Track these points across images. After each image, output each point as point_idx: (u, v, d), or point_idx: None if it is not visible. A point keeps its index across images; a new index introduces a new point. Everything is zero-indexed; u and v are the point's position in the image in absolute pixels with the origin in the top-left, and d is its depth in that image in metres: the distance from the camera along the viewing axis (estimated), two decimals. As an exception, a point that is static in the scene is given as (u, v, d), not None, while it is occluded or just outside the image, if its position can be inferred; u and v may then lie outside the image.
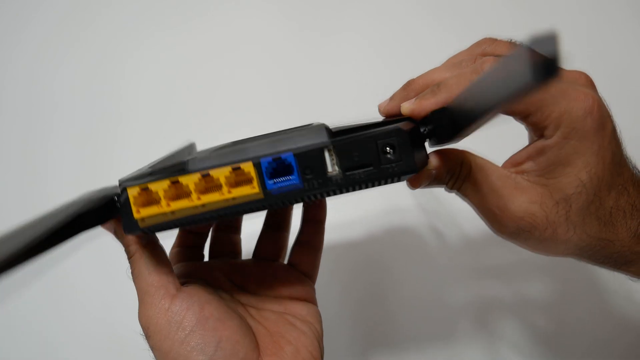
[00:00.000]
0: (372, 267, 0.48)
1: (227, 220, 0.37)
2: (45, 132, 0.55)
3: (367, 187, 0.26)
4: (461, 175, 0.27)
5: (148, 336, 0.27)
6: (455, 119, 0.24)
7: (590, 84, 0.26)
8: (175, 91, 0.55)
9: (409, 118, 0.27)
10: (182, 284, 0.29)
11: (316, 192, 0.25)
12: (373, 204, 0.50)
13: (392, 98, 0.30)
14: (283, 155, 0.24)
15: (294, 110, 0.54)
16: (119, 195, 0.25)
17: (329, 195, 0.26)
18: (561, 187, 0.25)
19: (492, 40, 0.28)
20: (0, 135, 0.55)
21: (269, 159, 0.24)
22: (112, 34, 0.56)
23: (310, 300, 0.34)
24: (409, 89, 0.29)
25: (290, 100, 0.54)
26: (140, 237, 0.28)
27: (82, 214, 0.24)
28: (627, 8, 0.54)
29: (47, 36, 0.56)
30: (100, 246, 0.50)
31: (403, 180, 0.26)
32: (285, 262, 0.36)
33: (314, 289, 0.35)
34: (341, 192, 0.26)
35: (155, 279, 0.28)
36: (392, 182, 0.26)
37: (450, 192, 0.29)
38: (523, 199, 0.26)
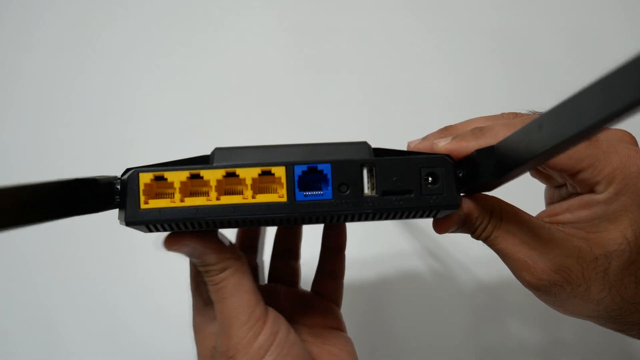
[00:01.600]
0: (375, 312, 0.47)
1: (285, 245, 0.35)
2: (58, 133, 0.52)
3: (399, 217, 0.24)
4: (492, 222, 0.26)
5: (230, 357, 0.25)
6: (500, 163, 0.23)
7: (634, 142, 0.26)
8: (191, 100, 0.53)
9: (448, 155, 0.26)
10: None
11: (347, 212, 0.23)
12: (375, 247, 0.48)
13: (425, 138, 0.29)
14: (320, 166, 0.22)
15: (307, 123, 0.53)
16: (127, 179, 0.22)
17: (356, 219, 0.24)
18: (604, 242, 0.24)
19: (515, 114, 0.28)
20: (7, 138, 0.52)
21: (304, 166, 0.22)
22: (122, 41, 0.55)
23: (343, 328, 0.32)
24: (447, 132, 0.28)
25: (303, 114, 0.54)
26: (233, 248, 0.26)
27: (81, 180, 0.21)
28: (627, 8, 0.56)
29: (61, 38, 0.54)
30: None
31: (438, 217, 0.25)
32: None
33: (341, 315, 0.33)
34: (372, 218, 0.24)
35: (252, 298, 0.25)
36: (428, 216, 0.24)
37: (478, 239, 0.27)
38: (558, 251, 0.25)
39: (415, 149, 0.29)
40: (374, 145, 0.24)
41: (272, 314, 0.26)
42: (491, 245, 0.26)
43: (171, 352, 0.45)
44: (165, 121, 0.52)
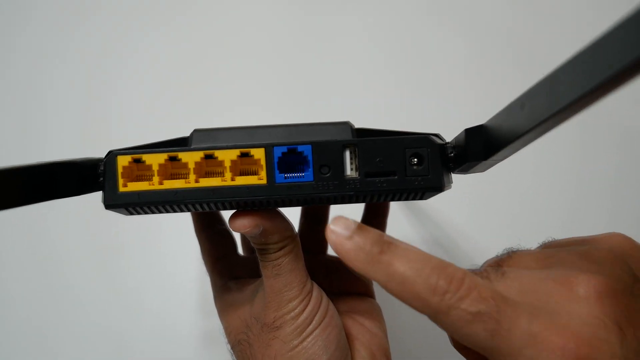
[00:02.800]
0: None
1: (314, 210, 0.34)
2: (40, 127, 0.51)
3: (384, 199, 0.23)
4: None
5: (276, 327, 0.25)
6: (488, 143, 0.22)
7: (605, 290, 0.19)
8: (173, 85, 0.52)
9: (437, 135, 0.25)
10: None
11: (328, 194, 0.22)
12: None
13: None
14: (300, 147, 0.22)
15: (300, 106, 0.52)
16: (104, 163, 0.22)
17: (338, 201, 0.24)
18: None
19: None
20: None
21: (284, 148, 0.22)
22: (110, 24, 0.54)
23: (371, 294, 0.32)
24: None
25: (297, 96, 0.52)
26: (291, 226, 0.26)
27: (60, 163, 0.21)
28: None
29: (44, 32, 0.53)
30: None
31: (425, 199, 0.24)
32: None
33: (371, 282, 0.32)
34: (355, 200, 0.23)
35: (304, 274, 0.26)
36: (413, 198, 0.24)
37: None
38: None
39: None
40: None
41: (315, 286, 0.27)
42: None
43: (181, 331, 0.46)
44: (154, 104, 0.51)
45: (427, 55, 0.52)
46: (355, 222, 0.21)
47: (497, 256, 0.24)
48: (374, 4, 0.53)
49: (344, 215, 0.21)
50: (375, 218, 0.34)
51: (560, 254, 0.22)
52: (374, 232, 0.21)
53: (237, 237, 0.35)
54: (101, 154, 0.24)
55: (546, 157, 0.48)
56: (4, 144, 0.51)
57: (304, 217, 0.35)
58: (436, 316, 0.19)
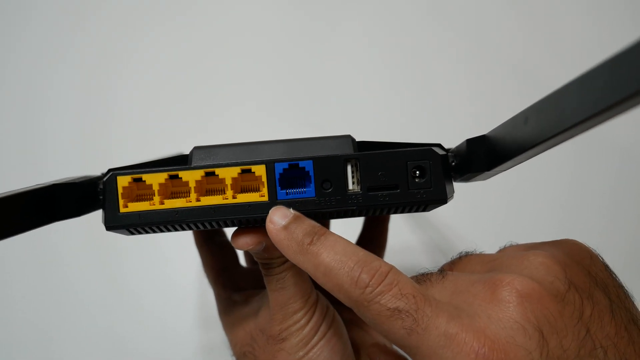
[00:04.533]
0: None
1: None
2: (40, 130, 0.51)
3: (387, 212, 0.23)
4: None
5: (281, 339, 0.25)
6: (491, 154, 0.22)
7: (538, 300, 0.19)
8: (173, 91, 0.52)
9: (439, 145, 0.25)
10: None
11: (331, 209, 0.22)
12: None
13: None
14: (301, 163, 0.22)
15: (298, 113, 0.52)
16: (104, 183, 0.22)
17: (341, 216, 0.23)
18: None
19: None
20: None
21: (285, 164, 0.22)
22: (110, 28, 0.53)
23: None
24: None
25: (295, 103, 0.52)
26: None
27: (59, 185, 0.21)
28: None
29: (45, 34, 0.53)
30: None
31: (428, 211, 0.24)
32: None
33: None
34: (358, 214, 0.23)
35: (308, 286, 0.25)
36: (416, 210, 0.23)
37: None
38: None
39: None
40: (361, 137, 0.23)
41: (321, 297, 0.26)
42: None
43: (183, 345, 0.46)
44: (152, 116, 0.51)
45: (425, 58, 0.52)
46: (293, 212, 0.21)
47: (451, 259, 0.24)
48: (373, 8, 0.53)
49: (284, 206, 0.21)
50: (376, 226, 0.34)
51: (504, 258, 0.22)
52: (308, 223, 0.21)
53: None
54: (102, 160, 0.24)
55: (546, 160, 0.48)
56: (6, 144, 0.50)
57: (362, 237, 0.35)
58: (358, 309, 0.20)
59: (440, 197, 0.22)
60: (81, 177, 0.23)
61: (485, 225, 0.48)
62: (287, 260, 0.25)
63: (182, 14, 0.53)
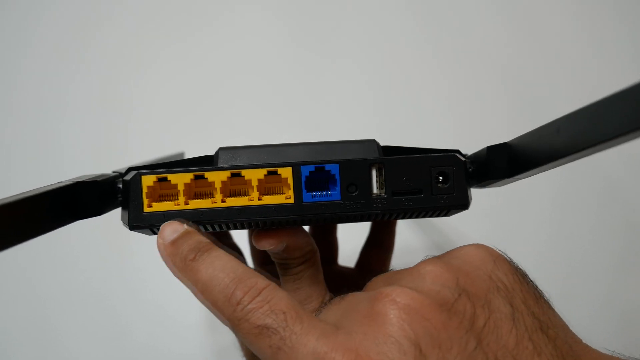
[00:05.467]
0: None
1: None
2: (54, 133, 0.51)
3: (409, 216, 0.23)
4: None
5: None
6: (514, 161, 0.22)
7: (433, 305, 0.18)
8: (183, 99, 0.52)
9: (458, 151, 0.25)
10: None
11: (356, 212, 0.22)
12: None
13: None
14: (327, 166, 0.22)
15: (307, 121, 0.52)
16: (128, 182, 0.22)
17: (365, 219, 0.24)
18: None
19: None
20: (9, 137, 0.51)
21: (311, 167, 0.22)
22: (120, 43, 0.53)
23: None
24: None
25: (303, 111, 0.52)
26: (311, 240, 0.25)
27: (82, 183, 0.20)
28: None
29: (57, 40, 0.52)
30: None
31: (449, 216, 0.24)
32: (355, 263, 0.35)
33: None
34: (381, 218, 0.23)
35: (323, 286, 0.25)
36: (438, 215, 0.24)
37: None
38: None
39: None
40: (383, 143, 0.24)
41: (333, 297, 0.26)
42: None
43: (172, 353, 0.46)
44: (166, 117, 0.51)
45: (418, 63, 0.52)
46: (185, 227, 0.20)
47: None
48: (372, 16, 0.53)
49: (180, 220, 0.21)
50: (384, 229, 0.34)
51: (401, 271, 0.21)
52: (195, 239, 0.20)
53: (245, 249, 0.35)
54: (116, 165, 0.24)
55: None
56: (22, 155, 0.50)
57: (313, 228, 0.35)
58: (232, 328, 0.19)
59: (463, 202, 0.22)
60: (100, 175, 0.23)
61: (491, 226, 0.48)
62: (304, 261, 0.25)
63: (200, 23, 0.53)
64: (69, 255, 0.47)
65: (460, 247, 0.22)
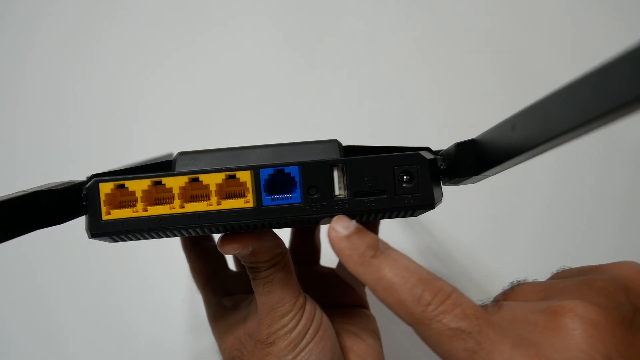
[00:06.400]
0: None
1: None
2: (54, 133, 0.51)
3: (374, 218, 0.23)
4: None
5: (269, 343, 0.25)
6: (479, 159, 0.21)
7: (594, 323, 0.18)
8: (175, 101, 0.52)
9: (427, 148, 0.24)
10: None
11: (317, 215, 0.22)
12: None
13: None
14: (287, 168, 0.21)
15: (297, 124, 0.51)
16: (87, 189, 0.22)
17: (327, 222, 0.23)
18: None
19: None
20: (11, 137, 0.51)
21: (271, 170, 0.21)
22: (119, 42, 0.53)
23: (365, 305, 0.32)
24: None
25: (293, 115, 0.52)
26: (281, 242, 0.25)
27: (40, 192, 0.20)
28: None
29: (60, 39, 0.53)
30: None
31: (416, 216, 0.23)
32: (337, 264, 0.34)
33: (365, 292, 0.33)
34: (345, 220, 0.23)
35: (295, 289, 0.25)
36: (404, 215, 0.23)
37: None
38: None
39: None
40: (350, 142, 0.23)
41: (308, 299, 0.26)
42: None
43: (173, 351, 0.46)
44: (166, 116, 0.51)
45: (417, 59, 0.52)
46: (355, 223, 0.21)
47: (502, 290, 0.23)
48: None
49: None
50: (366, 226, 0.34)
51: (561, 284, 0.21)
52: (371, 236, 0.21)
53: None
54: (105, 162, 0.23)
55: (541, 160, 0.48)
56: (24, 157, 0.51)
57: (295, 229, 0.35)
58: (418, 327, 0.19)
59: (428, 202, 0.22)
60: (65, 183, 0.23)
61: (479, 226, 0.48)
62: (275, 264, 0.25)
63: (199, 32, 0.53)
64: (73, 254, 0.48)
65: (613, 263, 0.22)
